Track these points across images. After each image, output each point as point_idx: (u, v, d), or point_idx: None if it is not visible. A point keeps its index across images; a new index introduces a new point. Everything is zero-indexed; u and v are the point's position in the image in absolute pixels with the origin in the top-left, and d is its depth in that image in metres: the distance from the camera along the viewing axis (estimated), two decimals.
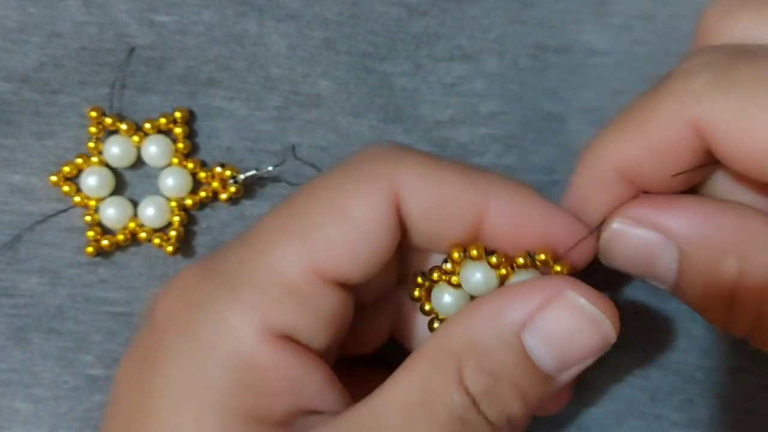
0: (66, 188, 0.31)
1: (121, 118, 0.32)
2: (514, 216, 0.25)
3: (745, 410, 0.31)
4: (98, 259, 0.32)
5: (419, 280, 0.26)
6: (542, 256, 0.24)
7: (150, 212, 0.32)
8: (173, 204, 0.32)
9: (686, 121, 0.23)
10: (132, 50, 0.32)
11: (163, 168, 0.32)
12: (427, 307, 0.26)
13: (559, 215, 0.25)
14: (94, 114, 0.31)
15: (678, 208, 0.24)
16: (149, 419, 0.23)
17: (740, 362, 0.31)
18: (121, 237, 0.31)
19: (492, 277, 0.25)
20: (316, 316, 0.24)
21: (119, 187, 0.32)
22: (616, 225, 0.25)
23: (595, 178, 0.25)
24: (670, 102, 0.23)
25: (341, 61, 0.32)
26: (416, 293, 0.26)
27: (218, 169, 0.32)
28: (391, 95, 0.32)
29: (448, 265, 0.25)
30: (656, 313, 0.32)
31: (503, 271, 0.25)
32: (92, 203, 0.32)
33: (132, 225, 0.32)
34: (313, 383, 0.23)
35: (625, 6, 0.32)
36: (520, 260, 0.24)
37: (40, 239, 0.32)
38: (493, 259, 0.24)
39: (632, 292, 0.32)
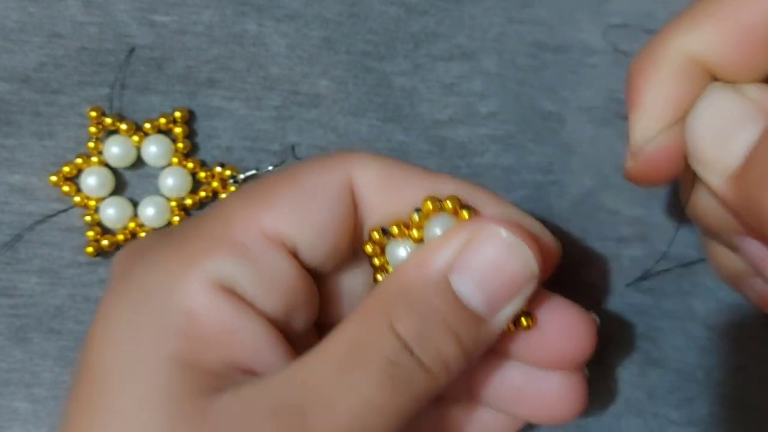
0: (66, 188, 0.31)
1: (121, 118, 0.32)
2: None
3: (744, 408, 0.31)
4: (98, 259, 0.32)
5: (375, 235, 0.25)
6: None
7: (150, 212, 0.32)
8: (173, 204, 0.32)
9: None
10: (132, 50, 0.32)
11: (163, 168, 0.32)
12: (377, 262, 0.26)
13: (515, 213, 0.26)
14: (94, 114, 0.31)
15: None
16: (90, 364, 0.23)
17: (739, 360, 0.32)
18: (121, 237, 0.32)
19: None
20: (260, 274, 0.24)
21: (119, 187, 0.32)
22: (715, 85, 0.23)
23: (667, 70, 0.23)
24: None
25: (340, 61, 0.32)
26: (369, 248, 0.25)
27: (218, 169, 0.32)
28: (390, 94, 0.32)
29: (416, 217, 0.25)
30: (655, 312, 0.32)
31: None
32: (92, 203, 0.32)
33: (132, 225, 0.32)
34: (249, 339, 0.23)
35: (623, 5, 0.32)
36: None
37: (39, 239, 0.32)
38: (465, 214, 0.24)
39: (632, 292, 0.32)
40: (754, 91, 0.22)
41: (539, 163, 0.32)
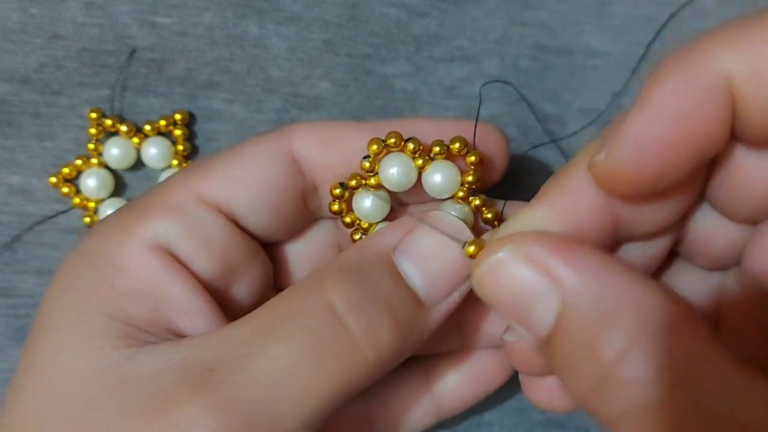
0: (65, 189, 0.31)
1: (121, 119, 0.32)
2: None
3: None
4: None
5: (336, 191, 0.25)
6: (456, 145, 0.24)
7: None
8: None
9: None
10: (133, 52, 0.32)
11: (162, 170, 0.32)
12: (347, 219, 0.26)
13: (455, 127, 0.25)
14: (94, 115, 0.31)
15: (576, 254, 0.20)
16: (38, 318, 0.24)
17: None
18: None
19: (411, 168, 0.25)
20: (194, 233, 0.24)
21: (119, 188, 0.32)
22: (502, 254, 0.21)
23: (698, 85, 0.20)
24: None
25: (341, 63, 0.32)
26: (335, 206, 0.25)
27: None
28: (391, 97, 0.32)
29: (366, 163, 0.25)
30: None
31: (419, 162, 0.25)
32: (92, 204, 0.32)
33: None
34: (177, 297, 0.24)
35: (625, 7, 0.32)
36: (436, 148, 0.25)
37: (39, 240, 0.32)
38: (410, 146, 0.24)
39: None
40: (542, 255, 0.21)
41: (541, 165, 0.32)
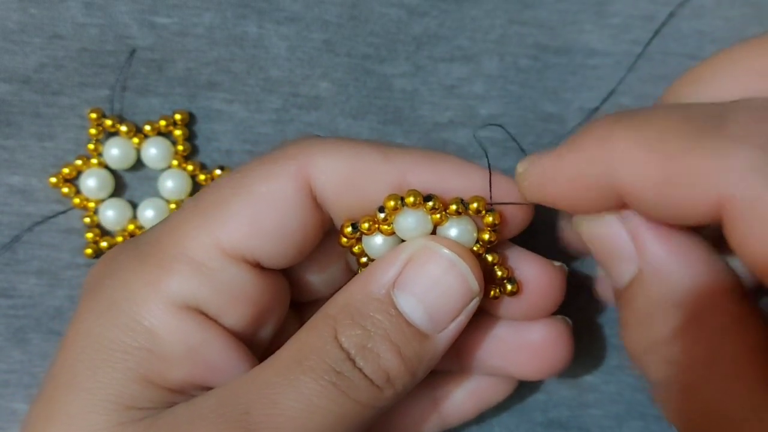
0: (65, 190, 0.31)
1: (121, 119, 0.32)
2: (434, 182, 0.25)
3: None
4: (97, 260, 0.32)
5: (348, 231, 0.25)
6: (474, 205, 0.24)
7: (149, 214, 0.32)
8: (172, 206, 0.32)
9: None
10: (133, 52, 0.32)
11: (162, 170, 0.32)
12: (356, 249, 0.26)
13: (481, 176, 0.25)
14: (94, 115, 0.31)
15: (664, 233, 0.23)
16: (55, 371, 0.24)
17: None
18: (120, 239, 0.31)
19: (426, 221, 0.25)
20: (221, 290, 0.24)
21: (119, 188, 0.32)
22: (608, 217, 0.24)
23: (735, 84, 0.23)
24: None
25: (341, 63, 0.32)
26: (344, 241, 0.25)
27: (218, 172, 0.32)
28: (390, 97, 0.32)
29: (382, 215, 0.25)
30: None
31: (437, 217, 0.25)
32: (91, 205, 0.32)
33: (131, 227, 0.32)
34: (213, 355, 0.24)
35: (625, 6, 0.32)
36: (453, 207, 0.25)
37: (39, 240, 0.32)
38: (430, 205, 0.24)
39: None
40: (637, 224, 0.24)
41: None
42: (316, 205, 0.25)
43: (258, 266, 0.25)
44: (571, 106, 0.32)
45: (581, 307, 0.31)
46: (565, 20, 0.32)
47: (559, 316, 0.28)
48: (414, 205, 0.24)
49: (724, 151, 0.19)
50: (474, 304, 0.25)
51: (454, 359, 0.28)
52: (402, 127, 0.32)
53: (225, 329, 0.25)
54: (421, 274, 0.24)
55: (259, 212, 0.24)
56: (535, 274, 0.26)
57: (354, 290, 0.24)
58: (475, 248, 0.25)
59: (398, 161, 0.25)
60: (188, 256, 0.24)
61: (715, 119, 0.20)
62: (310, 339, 0.24)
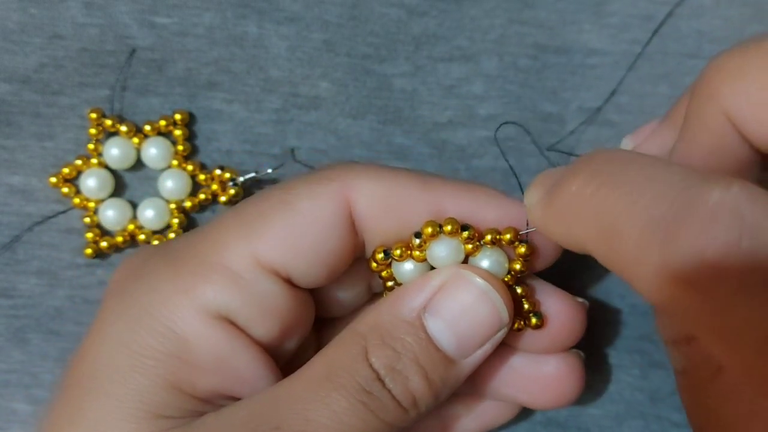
0: (65, 189, 0.31)
1: (121, 119, 0.32)
2: (470, 212, 0.25)
3: None
4: (97, 260, 0.32)
5: (380, 257, 0.26)
6: (507, 236, 0.25)
7: (149, 214, 0.32)
8: (172, 206, 0.32)
9: None
10: (133, 52, 0.32)
11: (162, 170, 0.32)
12: (384, 273, 0.26)
13: (517, 208, 0.26)
14: (94, 115, 0.31)
15: None
16: (78, 374, 0.24)
17: None
18: (120, 239, 0.31)
19: (459, 250, 0.25)
20: (254, 302, 0.24)
21: (119, 188, 0.32)
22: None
23: (704, 122, 0.24)
24: None
25: (341, 63, 0.32)
26: (374, 265, 0.26)
27: (218, 172, 0.32)
28: (390, 97, 0.32)
29: (417, 241, 0.25)
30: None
31: (469, 247, 0.25)
32: (91, 205, 0.32)
33: (131, 227, 0.32)
34: (242, 366, 0.24)
35: (624, 6, 0.32)
36: (488, 237, 0.25)
37: (39, 240, 0.32)
38: (465, 234, 0.25)
39: (632, 293, 0.31)
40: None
41: (539, 165, 0.32)
42: (353, 228, 0.25)
43: (289, 282, 0.25)
44: (570, 105, 0.32)
45: None
46: (564, 20, 0.32)
47: (573, 350, 0.28)
48: (451, 233, 0.25)
49: (663, 265, 0.19)
50: (501, 334, 0.25)
51: (468, 384, 0.28)
52: (402, 127, 0.32)
53: (253, 340, 0.25)
54: (453, 301, 0.24)
55: (298, 228, 0.25)
56: (558, 310, 0.27)
57: (384, 311, 0.24)
58: (506, 279, 0.26)
59: (437, 189, 0.25)
60: (225, 266, 0.24)
61: (666, 222, 0.19)
62: (340, 356, 0.24)
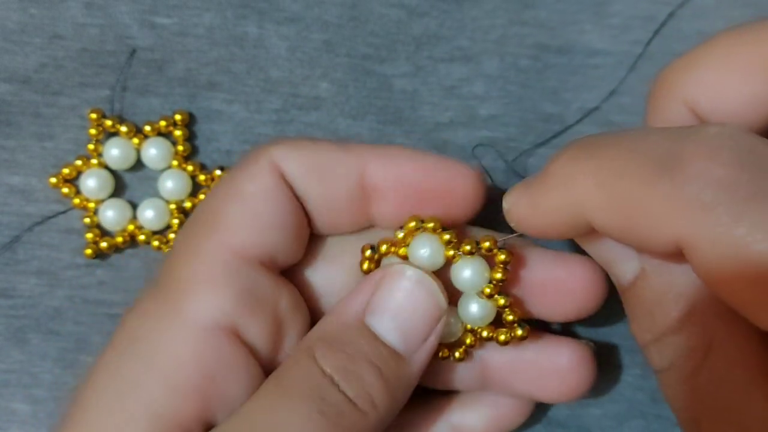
0: (65, 190, 0.31)
1: (121, 120, 0.32)
2: (393, 170, 0.26)
3: None
4: (97, 261, 0.32)
5: (367, 253, 0.26)
6: (486, 244, 0.26)
7: (149, 214, 0.32)
8: (172, 206, 0.32)
9: None
10: (133, 52, 0.32)
11: (162, 170, 0.32)
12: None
13: (438, 164, 0.26)
14: (94, 116, 0.31)
15: None
16: (71, 410, 0.24)
17: None
18: (120, 239, 0.31)
19: (439, 254, 0.26)
20: (239, 295, 0.25)
21: (119, 189, 0.32)
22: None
23: (666, 115, 0.25)
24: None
25: (341, 64, 0.32)
26: (365, 266, 0.26)
27: (218, 172, 0.32)
28: (390, 97, 0.32)
29: (401, 234, 0.26)
30: None
31: (450, 253, 0.26)
32: (91, 205, 0.32)
33: (131, 227, 0.32)
34: (232, 385, 0.25)
35: (625, 6, 0.32)
36: (467, 247, 0.26)
37: (38, 240, 0.32)
38: (446, 236, 0.26)
39: None
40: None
41: (540, 165, 0.32)
42: (295, 195, 0.26)
43: (270, 268, 0.26)
44: (571, 106, 0.32)
45: None
46: (565, 20, 0.32)
47: (584, 341, 0.28)
48: (433, 229, 0.26)
49: (679, 193, 0.20)
50: (441, 324, 0.25)
51: (479, 380, 0.29)
52: (402, 128, 0.32)
53: (248, 350, 0.25)
54: (391, 296, 0.25)
55: (254, 209, 0.25)
56: (569, 272, 0.27)
57: (328, 320, 0.25)
58: (486, 290, 0.26)
59: (358, 151, 0.26)
60: (200, 271, 0.25)
61: (669, 157, 0.20)
62: (291, 370, 0.24)
